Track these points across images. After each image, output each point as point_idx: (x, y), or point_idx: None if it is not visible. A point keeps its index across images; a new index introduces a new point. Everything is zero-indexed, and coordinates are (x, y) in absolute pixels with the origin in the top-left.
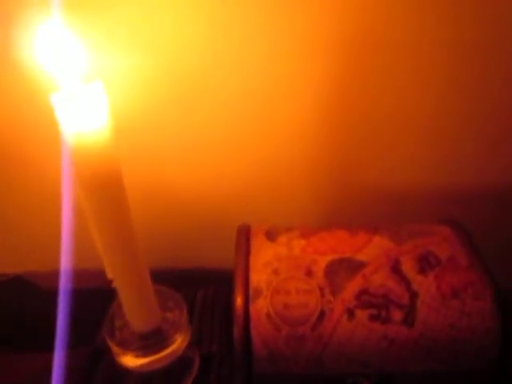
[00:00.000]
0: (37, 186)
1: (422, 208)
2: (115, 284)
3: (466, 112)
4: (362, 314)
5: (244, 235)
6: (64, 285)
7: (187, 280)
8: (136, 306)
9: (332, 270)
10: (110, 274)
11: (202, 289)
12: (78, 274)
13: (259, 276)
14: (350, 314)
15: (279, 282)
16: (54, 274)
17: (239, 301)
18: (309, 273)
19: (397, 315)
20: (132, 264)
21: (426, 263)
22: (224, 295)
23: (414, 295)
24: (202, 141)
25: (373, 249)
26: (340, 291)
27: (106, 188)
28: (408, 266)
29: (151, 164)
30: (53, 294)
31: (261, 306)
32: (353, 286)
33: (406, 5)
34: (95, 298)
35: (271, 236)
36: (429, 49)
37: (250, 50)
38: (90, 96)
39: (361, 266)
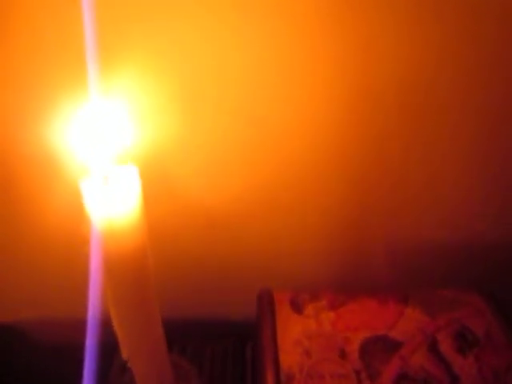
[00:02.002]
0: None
1: (442, 265)
2: (130, 364)
3: (496, 167)
4: None
5: (267, 304)
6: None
7: (192, 334)
8: None
9: (367, 351)
10: (125, 354)
11: (210, 345)
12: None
13: (290, 358)
14: None
15: (312, 365)
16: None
17: None
18: (343, 354)
19: None
20: (151, 347)
21: (463, 341)
22: (233, 352)
23: (455, 379)
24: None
25: (406, 324)
26: (377, 376)
27: (129, 272)
28: (446, 345)
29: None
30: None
31: None
32: (390, 370)
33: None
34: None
35: (297, 306)
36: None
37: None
38: (123, 182)
39: (397, 345)
